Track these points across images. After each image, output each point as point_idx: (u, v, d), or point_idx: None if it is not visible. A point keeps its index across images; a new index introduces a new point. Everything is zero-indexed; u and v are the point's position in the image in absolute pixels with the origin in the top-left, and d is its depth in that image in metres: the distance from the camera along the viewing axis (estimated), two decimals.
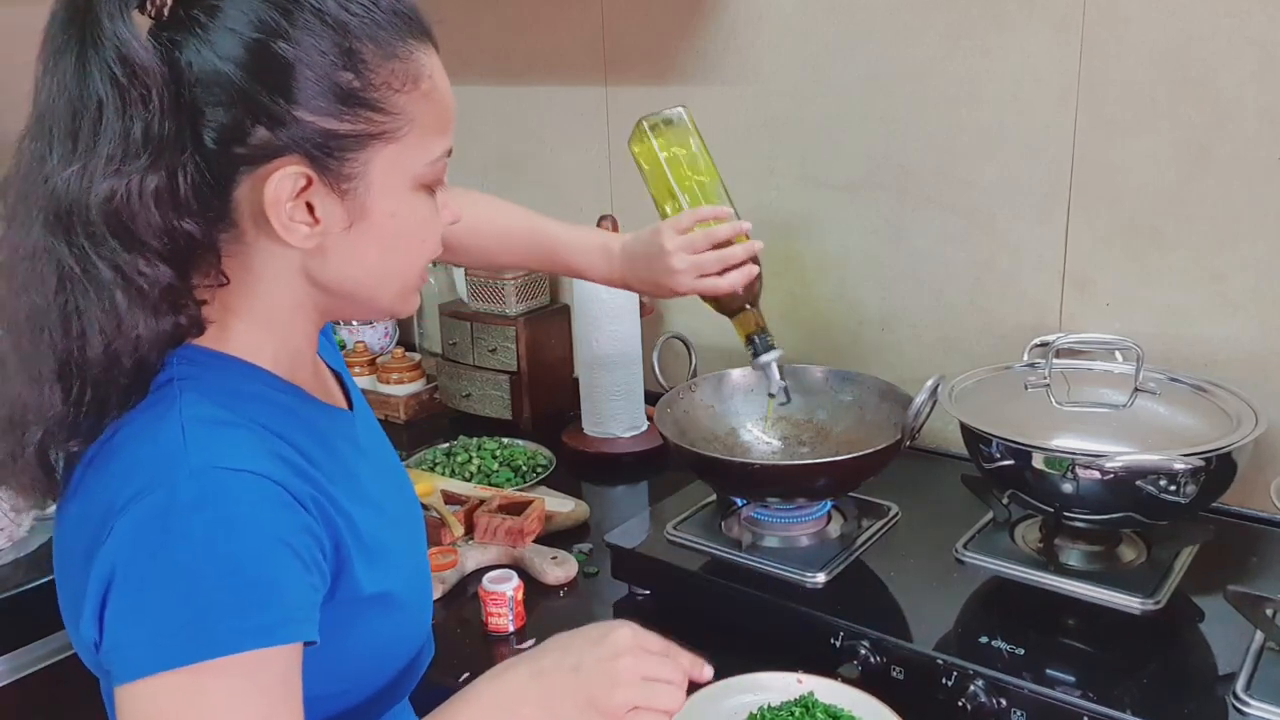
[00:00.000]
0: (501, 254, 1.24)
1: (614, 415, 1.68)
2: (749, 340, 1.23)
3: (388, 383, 1.92)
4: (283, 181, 0.67)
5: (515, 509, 1.35)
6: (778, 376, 1.24)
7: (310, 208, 0.69)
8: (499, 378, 1.79)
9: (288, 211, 0.68)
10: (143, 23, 0.65)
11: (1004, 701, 0.96)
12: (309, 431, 0.76)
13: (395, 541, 0.82)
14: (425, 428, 1.85)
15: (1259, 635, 1.00)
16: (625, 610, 1.24)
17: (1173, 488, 1.04)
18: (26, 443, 0.70)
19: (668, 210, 1.22)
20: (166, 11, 0.65)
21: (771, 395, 1.26)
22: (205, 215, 0.67)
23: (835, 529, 1.26)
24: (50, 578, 0.89)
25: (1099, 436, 1.17)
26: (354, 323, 2.00)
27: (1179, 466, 1.02)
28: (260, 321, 0.74)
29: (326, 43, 0.65)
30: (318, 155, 0.67)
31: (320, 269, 0.72)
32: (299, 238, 0.69)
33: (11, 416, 0.70)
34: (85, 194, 0.63)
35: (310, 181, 0.68)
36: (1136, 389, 1.21)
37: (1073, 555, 1.16)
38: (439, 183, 0.75)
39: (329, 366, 0.90)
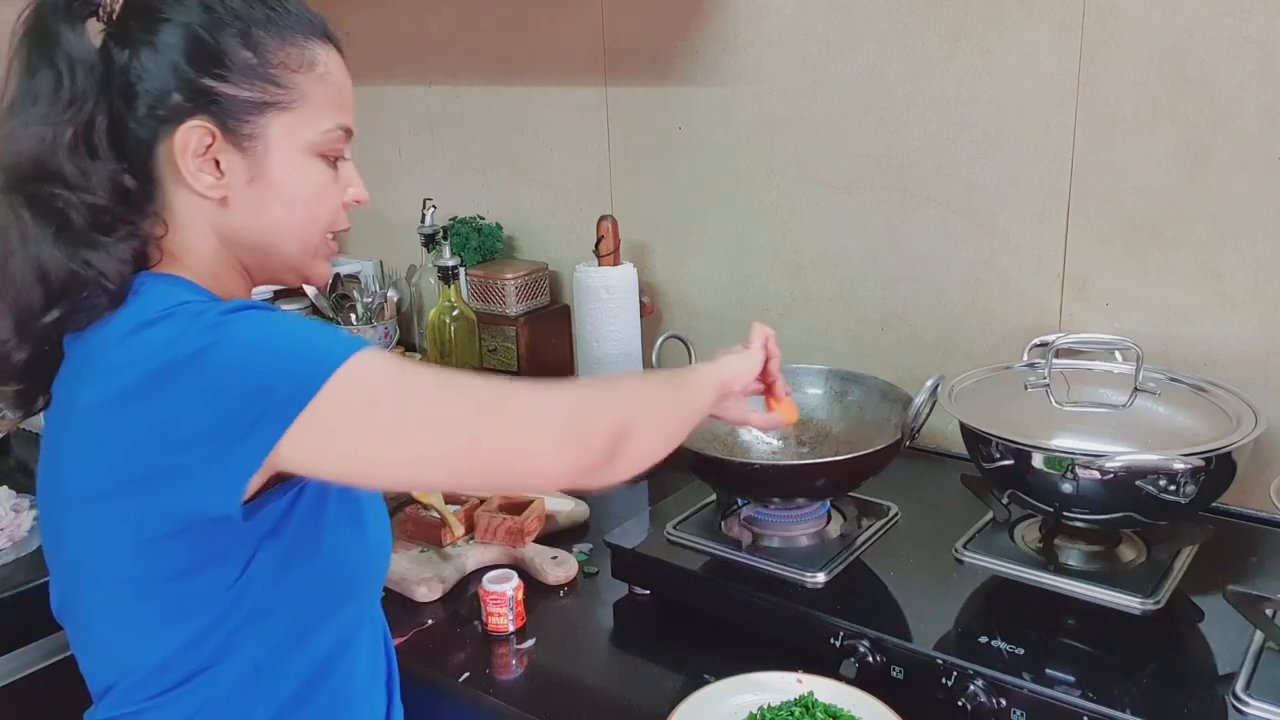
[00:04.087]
0: None
1: None
2: None
3: None
4: (190, 133, 0.82)
5: (515, 509, 1.35)
6: None
7: (217, 164, 0.83)
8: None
9: (196, 163, 0.82)
10: (94, 27, 0.82)
11: (1004, 701, 0.96)
12: None
13: None
14: None
15: (1259, 635, 1.00)
16: (625, 610, 1.24)
17: (1172, 488, 1.04)
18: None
19: None
20: (115, 17, 0.83)
21: None
22: (133, 165, 0.82)
23: (835, 529, 1.26)
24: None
25: (1099, 436, 1.18)
26: (353, 320, 2.00)
27: (1179, 466, 1.02)
28: (201, 273, 0.86)
29: (234, 30, 0.83)
30: (221, 116, 0.82)
31: (228, 219, 0.85)
32: (206, 185, 0.83)
33: None
34: (19, 141, 0.78)
35: (214, 138, 0.82)
36: (1136, 389, 1.21)
37: (1072, 555, 1.16)
38: (335, 153, 0.89)
39: None
